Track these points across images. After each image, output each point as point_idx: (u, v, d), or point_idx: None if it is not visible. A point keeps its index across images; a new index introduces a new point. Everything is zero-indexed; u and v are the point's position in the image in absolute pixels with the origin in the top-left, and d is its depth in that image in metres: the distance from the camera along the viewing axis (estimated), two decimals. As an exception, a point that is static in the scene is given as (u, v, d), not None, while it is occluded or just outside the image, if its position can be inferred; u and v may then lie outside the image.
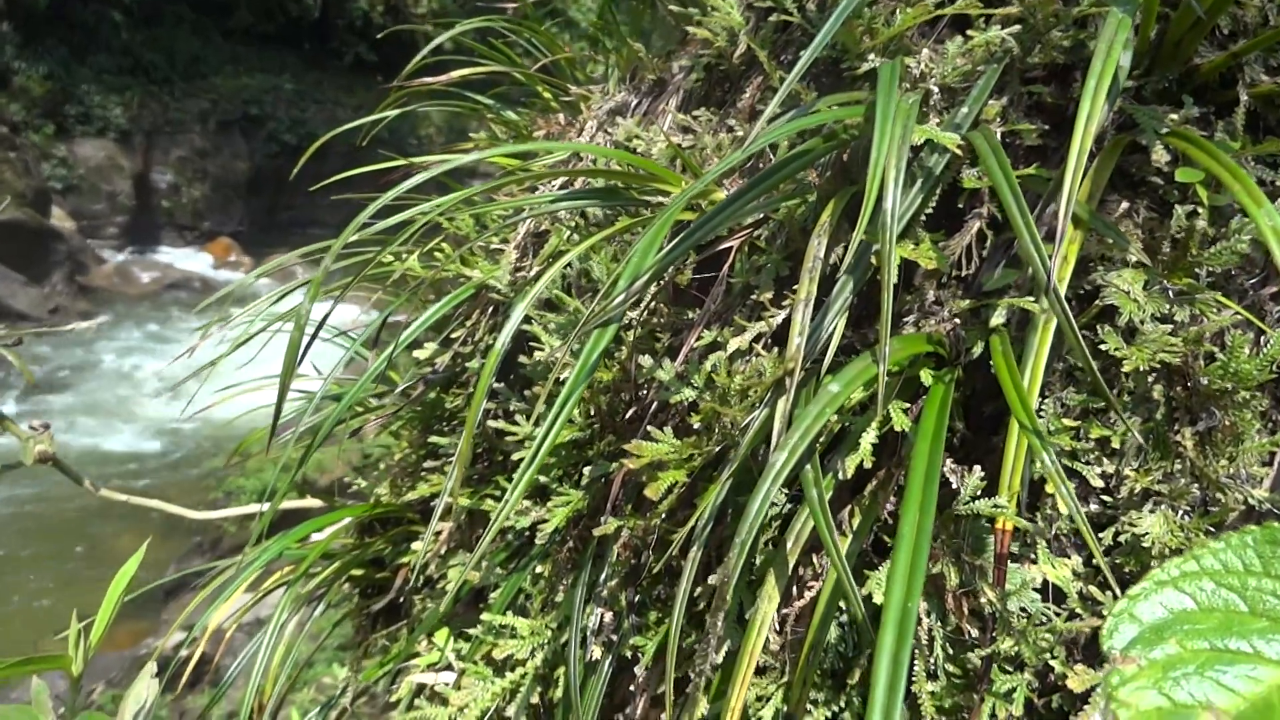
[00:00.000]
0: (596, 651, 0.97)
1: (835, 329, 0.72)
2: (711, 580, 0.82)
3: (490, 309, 1.26)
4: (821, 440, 0.73)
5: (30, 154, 14.88)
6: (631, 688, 1.05)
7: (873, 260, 0.72)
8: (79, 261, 14.90)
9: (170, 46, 17.65)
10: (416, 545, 1.36)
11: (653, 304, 0.96)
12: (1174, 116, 0.88)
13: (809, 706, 0.83)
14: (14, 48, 15.11)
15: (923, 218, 0.81)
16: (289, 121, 18.60)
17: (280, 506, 1.81)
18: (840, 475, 0.72)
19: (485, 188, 1.00)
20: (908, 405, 0.73)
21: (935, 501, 0.60)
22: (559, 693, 1.06)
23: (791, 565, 0.70)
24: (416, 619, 1.48)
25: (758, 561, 0.78)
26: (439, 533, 1.28)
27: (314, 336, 0.97)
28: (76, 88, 16.03)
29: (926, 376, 0.73)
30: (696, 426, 0.84)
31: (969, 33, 0.88)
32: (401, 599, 1.58)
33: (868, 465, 0.72)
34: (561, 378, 0.90)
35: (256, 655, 1.44)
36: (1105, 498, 0.81)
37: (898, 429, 0.72)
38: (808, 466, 0.67)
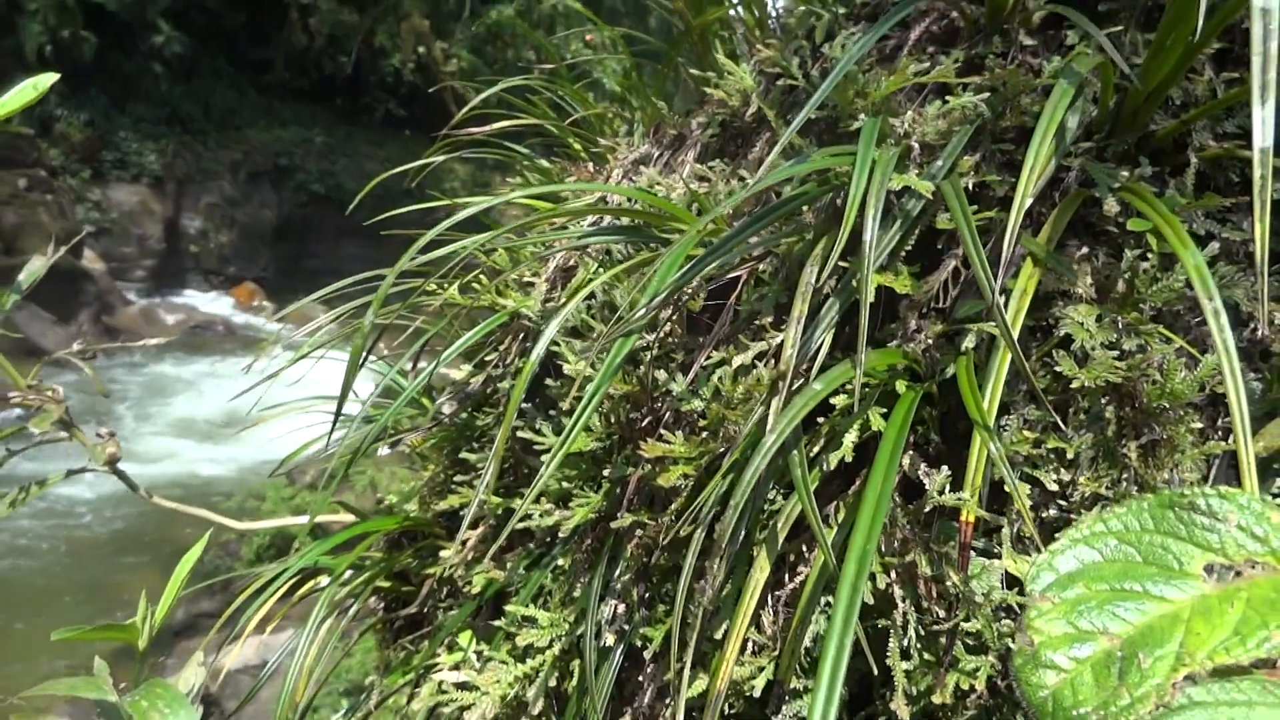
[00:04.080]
0: (610, 639, 1.08)
1: (823, 342, 0.85)
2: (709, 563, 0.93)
3: (521, 335, 1.39)
4: (810, 443, 0.85)
5: (66, 197, 15.36)
6: (640, 678, 1.15)
7: (855, 284, 0.85)
8: (106, 302, 15.28)
9: (207, 99, 18.27)
10: (444, 554, 1.47)
11: (668, 327, 1.09)
12: (1125, 174, 1.01)
13: (798, 688, 0.93)
14: (58, 96, 15.69)
15: (902, 253, 0.94)
16: (318, 173, 19.12)
17: (295, 527, 1.93)
18: (825, 468, 0.84)
19: (521, 224, 1.14)
20: (885, 411, 0.85)
21: (896, 471, 0.72)
22: (574, 682, 1.16)
23: (781, 541, 0.82)
24: (440, 626, 1.59)
25: (752, 550, 0.89)
26: (465, 540, 1.39)
27: (367, 353, 1.10)
28: (115, 135, 16.59)
29: (900, 386, 0.85)
30: (703, 427, 0.96)
31: (947, 98, 1.02)
32: (425, 610, 1.69)
33: (849, 460, 0.84)
34: (586, 389, 1.03)
35: (290, 657, 1.55)
36: (1061, 502, 0.92)
37: (875, 429, 0.84)
38: (794, 452, 0.78)
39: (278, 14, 19.44)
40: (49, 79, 1.37)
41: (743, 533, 0.87)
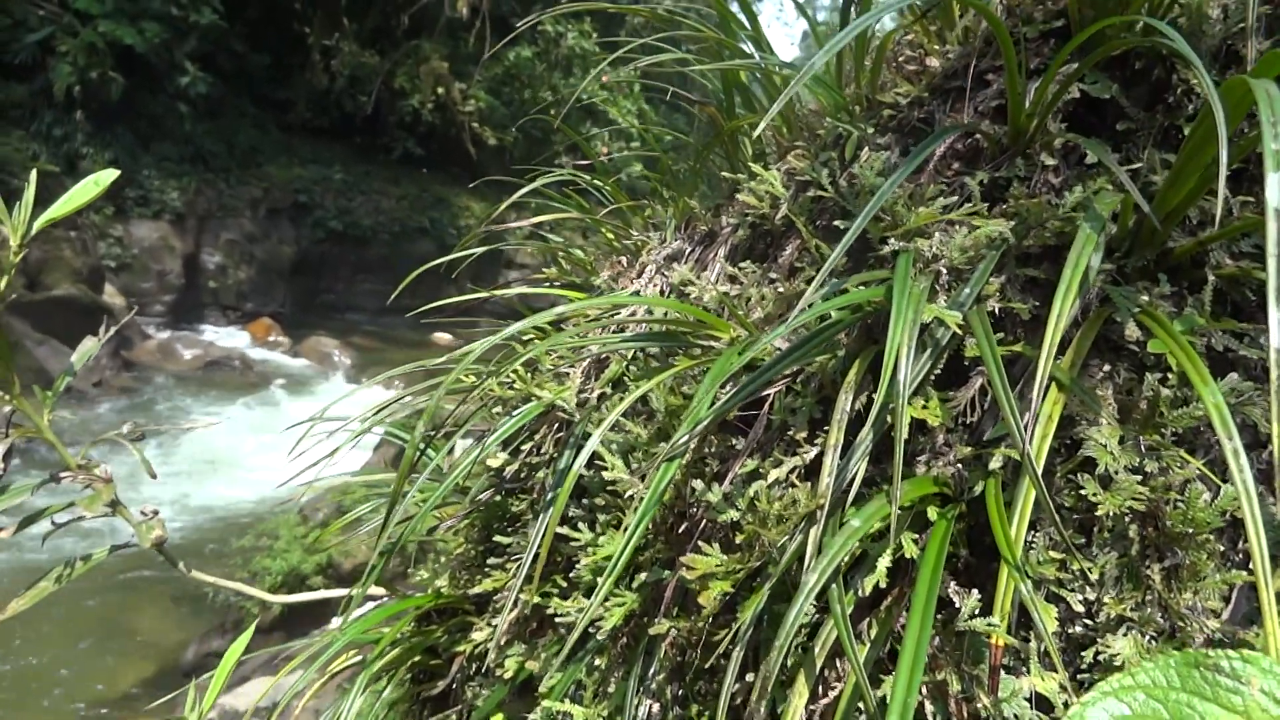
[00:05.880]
0: (644, 737, 1.11)
1: (858, 471, 0.89)
2: (749, 678, 0.97)
3: (556, 425, 1.43)
4: (845, 562, 0.88)
5: (89, 234, 15.61)
6: (672, 774, 1.18)
7: (888, 418, 0.89)
8: (125, 336, 15.45)
9: (230, 137, 18.60)
10: (476, 635, 1.51)
11: (703, 434, 1.13)
12: (1145, 298, 1.05)
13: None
14: (84, 135, 16.02)
15: (932, 377, 0.98)
16: (336, 210, 19.38)
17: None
18: (860, 593, 0.88)
19: (565, 338, 1.19)
20: (916, 536, 0.89)
21: (932, 621, 0.75)
22: (606, 775, 1.19)
23: (818, 667, 0.85)
24: (469, 705, 1.62)
25: (788, 663, 0.93)
26: (496, 624, 1.42)
27: (418, 458, 1.15)
28: (139, 173, 16.89)
29: (932, 513, 0.89)
30: (739, 543, 1.00)
31: (974, 222, 1.07)
32: (454, 686, 1.71)
33: (883, 585, 0.87)
34: (629, 494, 1.07)
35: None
36: (1087, 621, 0.95)
37: (908, 556, 0.87)
38: (833, 586, 0.82)
39: (301, 56, 19.85)
40: (109, 175, 1.44)
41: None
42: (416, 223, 20.10)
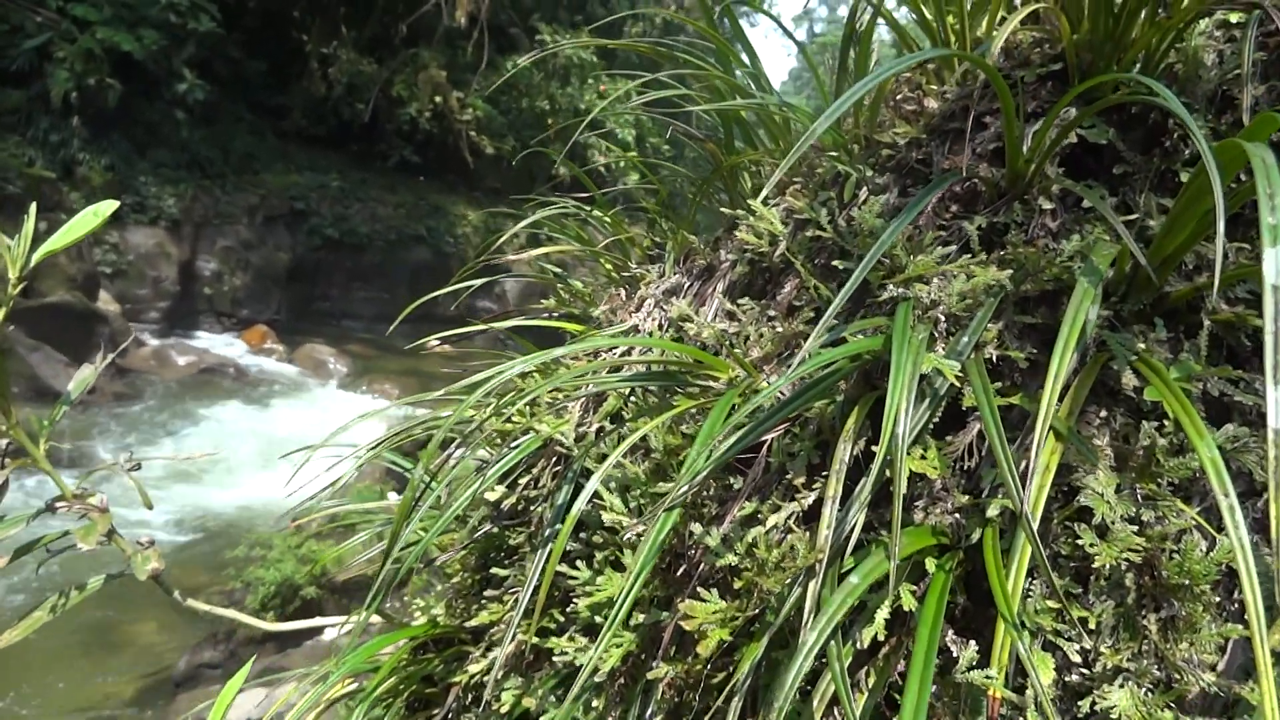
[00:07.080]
0: (641, 780, 1.11)
1: (857, 522, 0.89)
2: (747, 724, 0.97)
3: (554, 459, 1.44)
4: (844, 614, 0.88)
5: (85, 240, 15.55)
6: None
7: (887, 472, 0.90)
8: (119, 344, 15.38)
9: (226, 144, 18.58)
10: (472, 667, 1.51)
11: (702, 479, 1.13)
12: (1141, 345, 1.06)
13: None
14: (81, 141, 15.98)
15: (931, 426, 0.98)
16: (332, 217, 19.36)
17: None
18: (858, 645, 0.88)
19: (564, 376, 1.19)
20: (914, 588, 0.89)
21: (932, 678, 0.76)
22: (603, 815, 1.19)
23: (818, 718, 0.86)
24: (465, 735, 1.61)
25: (787, 709, 0.93)
26: (493, 657, 1.42)
27: (417, 499, 1.15)
28: (135, 179, 16.85)
29: (930, 565, 0.89)
30: (738, 588, 1.00)
31: (972, 270, 1.07)
32: (450, 716, 1.71)
33: (881, 637, 0.88)
34: (627, 536, 1.08)
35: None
36: (1084, 670, 0.95)
37: (906, 608, 0.88)
38: (832, 643, 0.82)
39: (299, 63, 19.86)
40: (109, 206, 1.44)
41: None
42: (413, 230, 20.08)
